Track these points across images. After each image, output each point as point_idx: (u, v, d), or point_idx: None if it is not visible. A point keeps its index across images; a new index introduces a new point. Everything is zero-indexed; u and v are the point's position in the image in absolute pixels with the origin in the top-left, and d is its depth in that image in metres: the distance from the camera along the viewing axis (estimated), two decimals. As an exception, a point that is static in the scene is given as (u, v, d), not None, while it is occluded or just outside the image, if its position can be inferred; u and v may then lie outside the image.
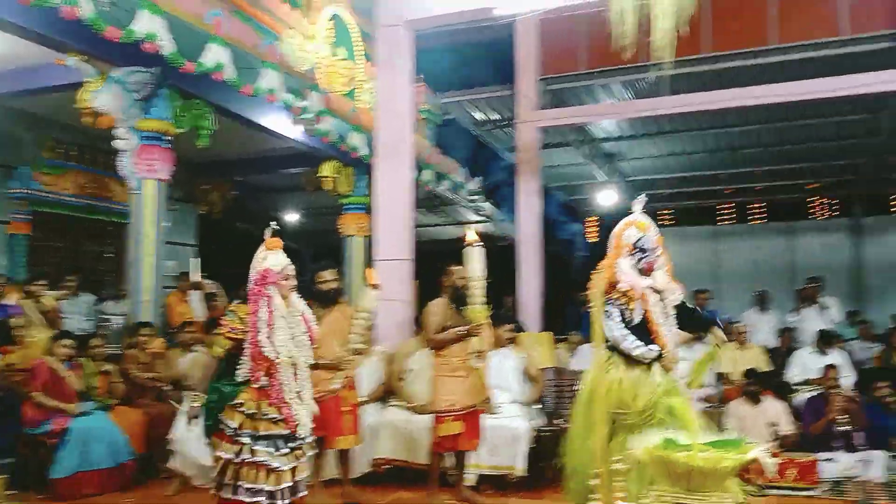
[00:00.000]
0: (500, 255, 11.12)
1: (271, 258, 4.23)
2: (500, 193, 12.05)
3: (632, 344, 4.14)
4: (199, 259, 9.08)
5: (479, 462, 5.84)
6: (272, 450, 3.97)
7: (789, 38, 8.72)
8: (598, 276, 4.24)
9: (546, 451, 6.44)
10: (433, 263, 5.89)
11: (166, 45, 6.54)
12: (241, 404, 4.03)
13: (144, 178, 7.20)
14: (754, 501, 5.85)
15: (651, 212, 14.36)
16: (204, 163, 10.24)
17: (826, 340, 7.94)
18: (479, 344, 5.33)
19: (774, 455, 5.74)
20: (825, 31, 8.63)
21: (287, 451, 4.02)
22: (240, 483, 3.89)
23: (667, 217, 16.19)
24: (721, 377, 8.27)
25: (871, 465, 6.20)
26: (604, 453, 4.20)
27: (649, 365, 4.18)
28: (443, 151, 10.92)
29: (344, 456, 5.57)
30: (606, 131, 11.72)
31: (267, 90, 7.71)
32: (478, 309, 5.25)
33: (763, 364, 8.12)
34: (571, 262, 12.01)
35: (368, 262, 7.67)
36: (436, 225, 14.26)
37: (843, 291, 13.23)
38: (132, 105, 7.04)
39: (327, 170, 9.68)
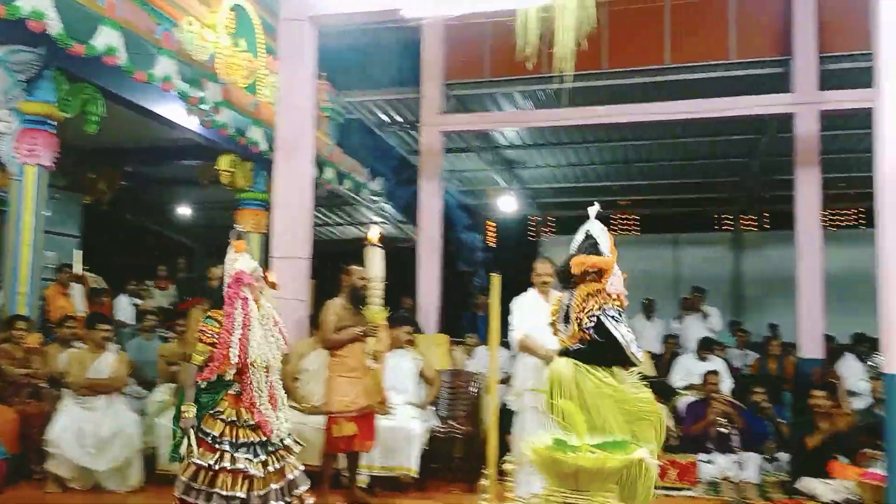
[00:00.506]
0: (400, 256, 11.11)
1: (241, 260, 4.24)
2: (402, 195, 12.06)
3: (635, 348, 4.15)
4: (82, 251, 8.64)
5: (373, 463, 5.82)
6: (251, 457, 4.02)
7: (682, 59, 9.14)
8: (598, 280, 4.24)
9: (439, 452, 6.49)
10: (332, 263, 5.83)
11: (53, 24, 6.20)
12: (221, 412, 4.07)
13: (25, 163, 6.81)
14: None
15: (545, 219, 14.77)
16: (92, 150, 9.76)
17: (707, 347, 8.33)
18: (376, 345, 5.31)
19: (658, 457, 5.97)
20: (716, 55, 9.09)
21: (264, 458, 4.07)
22: (214, 490, 3.91)
23: (560, 225, 16.63)
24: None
25: (746, 466, 6.55)
26: (494, 453, 4.27)
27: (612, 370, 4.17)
28: (345, 150, 10.83)
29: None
30: (508, 139, 11.92)
31: (162, 78, 7.41)
32: (376, 310, 5.23)
33: (648, 369, 8.44)
34: (470, 266, 12.14)
35: (265, 259, 7.50)
36: (336, 224, 14.12)
37: (723, 301, 13.93)
38: (14, 86, 6.64)
39: (224, 163, 9.40)
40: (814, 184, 8.71)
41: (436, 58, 9.68)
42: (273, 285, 5.12)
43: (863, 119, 9.35)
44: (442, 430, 6.61)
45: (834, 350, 9.41)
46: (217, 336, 4.06)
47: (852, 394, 8.08)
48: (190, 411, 4.06)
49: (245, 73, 9.17)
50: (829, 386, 7.40)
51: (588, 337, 4.08)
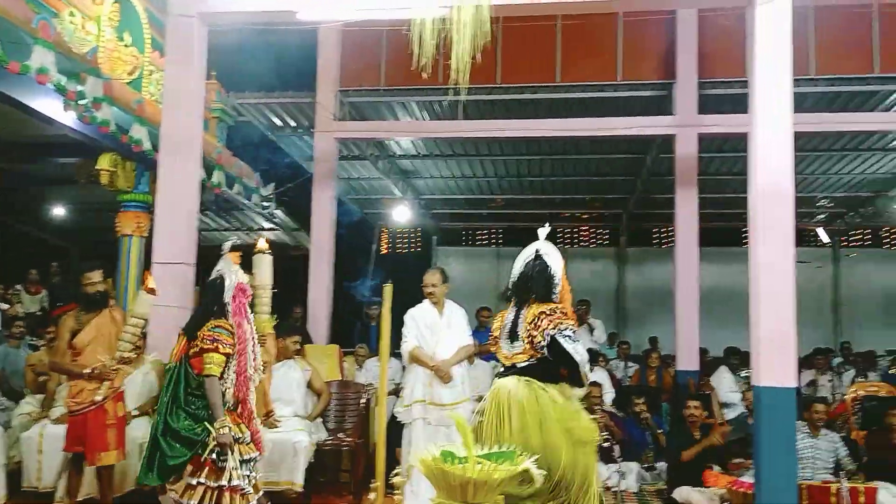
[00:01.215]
0: (291, 264, 10.88)
1: (240, 273, 4.32)
2: (294, 202, 11.82)
3: (587, 370, 4.21)
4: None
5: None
6: (248, 472, 4.08)
7: (573, 77, 9.42)
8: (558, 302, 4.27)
9: (327, 465, 6.36)
10: (218, 269, 5.60)
11: (-86, 5, 5.71)
12: (223, 424, 4.01)
13: None
14: (522, 510, 6.15)
15: (438, 230, 14.83)
16: (-45, 144, 9.06)
17: (590, 359, 8.55)
18: (263, 355, 5.15)
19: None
20: (604, 76, 9.42)
21: (257, 475, 4.17)
22: None
23: (455, 237, 16.78)
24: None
25: (627, 475, 6.76)
26: (382, 466, 4.21)
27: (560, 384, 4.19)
28: (235, 154, 10.50)
29: (106, 473, 5.14)
30: (403, 148, 11.92)
31: (37, 69, 6.95)
32: (263, 318, 5.09)
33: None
34: (363, 276, 12.03)
35: (146, 264, 7.15)
36: (223, 230, 13.67)
37: (607, 314, 14.43)
38: None
39: (105, 162, 8.90)
40: (692, 203, 9.15)
41: (332, 63, 9.57)
42: (152, 291, 4.89)
43: (736, 143, 9.96)
44: (330, 442, 6.50)
45: (708, 362, 9.90)
46: (232, 347, 4.04)
47: (725, 405, 8.50)
48: (224, 426, 3.99)
49: (129, 68, 8.74)
50: (703, 397, 7.76)
51: (539, 355, 4.11)
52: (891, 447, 6.51)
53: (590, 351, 8.65)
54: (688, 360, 9.03)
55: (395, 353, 6.96)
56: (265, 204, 11.21)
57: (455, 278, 16.30)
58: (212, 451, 4.01)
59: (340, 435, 6.68)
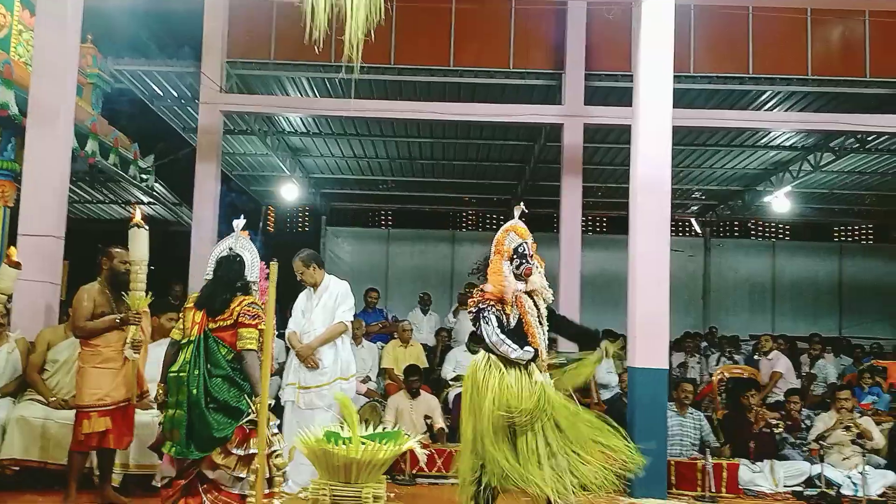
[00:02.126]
0: (171, 239, 10.46)
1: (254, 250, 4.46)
2: (176, 175, 11.33)
3: (508, 348, 4.19)
4: None
5: (128, 461, 5.39)
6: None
7: (465, 62, 9.48)
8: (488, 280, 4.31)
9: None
10: (91, 243, 5.33)
11: None
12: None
13: None
14: (405, 490, 6.21)
15: (327, 210, 14.57)
16: None
17: (475, 340, 8.67)
18: (137, 334, 4.94)
19: (426, 446, 6.13)
20: (495, 62, 9.52)
21: None
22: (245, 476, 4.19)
23: (346, 217, 16.62)
24: (383, 372, 8.65)
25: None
26: (263, 447, 4.13)
27: (526, 366, 4.24)
28: (111, 122, 9.93)
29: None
30: (293, 125, 11.66)
31: None
32: (138, 296, 4.87)
33: (422, 361, 8.66)
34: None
35: (11, 236, 6.69)
36: (97, 202, 12.94)
37: (494, 297, 14.64)
38: None
39: (-36, 126, 8.25)
40: (577, 191, 9.41)
41: (218, 32, 9.21)
42: (17, 265, 4.61)
43: (619, 134, 10.32)
44: (209, 424, 6.31)
45: (588, 345, 10.23)
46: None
47: (602, 385, 8.83)
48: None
49: (-5, 26, 8.12)
50: (582, 377, 8.01)
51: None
52: (745, 426, 6.96)
53: (474, 333, 8.83)
54: (568, 344, 9.30)
55: (281, 333, 6.86)
56: (143, 176, 10.68)
57: (345, 259, 16.29)
58: (251, 423, 4.14)
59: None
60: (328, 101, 9.92)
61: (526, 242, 4.43)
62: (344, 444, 3.75)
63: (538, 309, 4.43)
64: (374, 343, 9.11)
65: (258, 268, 4.53)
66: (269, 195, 15.23)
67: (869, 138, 10.80)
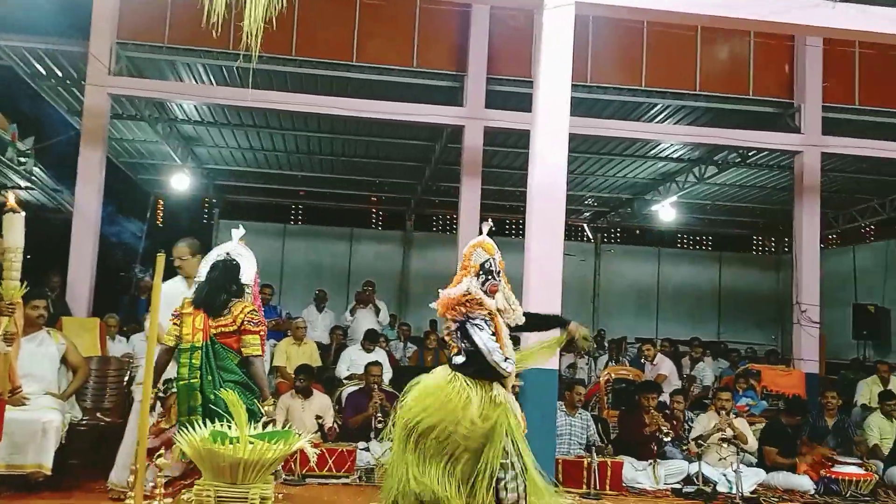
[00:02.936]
0: (49, 226, 9.88)
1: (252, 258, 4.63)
2: (57, 160, 10.71)
3: (500, 357, 4.03)
4: None
5: (-3, 461, 5.05)
6: None
7: (368, 58, 9.41)
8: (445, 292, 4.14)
9: (80, 447, 5.86)
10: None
11: None
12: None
13: None
14: (295, 490, 6.10)
15: (221, 202, 14.10)
16: None
17: (371, 339, 8.65)
18: (9, 325, 4.61)
19: (316, 446, 6.03)
20: (399, 60, 9.50)
21: None
22: None
23: (240, 210, 16.17)
24: (275, 371, 8.48)
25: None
26: (144, 446, 3.95)
27: (490, 383, 4.07)
28: (-12, 101, 9.31)
29: None
30: (186, 112, 11.24)
31: None
32: (11, 285, 4.55)
33: (316, 359, 8.54)
34: (132, 245, 11.21)
35: None
36: (-31, 185, 12.10)
37: (391, 296, 14.67)
38: None
39: None
40: (475, 193, 9.50)
41: (109, 12, 8.76)
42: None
43: (518, 139, 10.51)
44: (85, 422, 5.99)
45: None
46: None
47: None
48: (273, 403, 4.47)
49: None
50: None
51: (458, 348, 4.08)
52: (639, 426, 7.21)
53: (370, 332, 8.79)
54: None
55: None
56: (22, 159, 10.05)
57: (237, 253, 15.76)
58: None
59: (98, 414, 6.19)
60: (225, 90, 9.62)
61: (493, 259, 4.29)
62: (231, 443, 3.63)
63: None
64: (267, 340, 8.90)
65: (254, 275, 4.70)
66: (159, 185, 14.63)
67: (749, 153, 11.44)
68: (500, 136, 10.69)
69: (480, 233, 4.45)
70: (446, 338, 4.22)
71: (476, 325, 4.09)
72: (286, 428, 4.33)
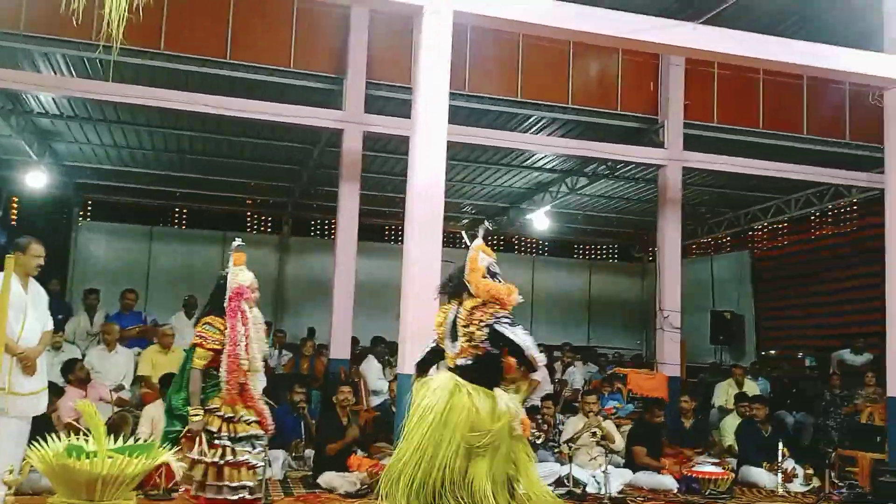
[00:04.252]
0: None
1: (241, 274, 4.71)
2: None
3: (536, 351, 4.05)
4: None
5: None
6: (250, 448, 4.45)
7: (243, 56, 9.14)
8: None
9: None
10: None
11: None
12: (217, 409, 4.49)
13: None
14: (160, 506, 5.79)
15: (81, 202, 13.30)
16: None
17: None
18: None
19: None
20: (276, 60, 9.28)
21: (260, 449, 4.54)
22: (223, 483, 4.31)
23: (102, 211, 15.30)
24: (140, 380, 8.07)
25: (273, 463, 6.70)
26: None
27: (490, 387, 4.04)
28: None
29: None
30: (43, 105, 10.51)
31: None
32: None
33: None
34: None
35: None
36: None
37: (266, 302, 14.27)
38: None
39: None
40: (354, 198, 9.41)
41: (-44, -6, 8.07)
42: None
43: (398, 143, 10.50)
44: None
45: (359, 352, 10.30)
46: (218, 343, 4.55)
47: (373, 392, 8.89)
48: (199, 414, 4.49)
49: None
50: (353, 384, 8.04)
51: (481, 351, 4.03)
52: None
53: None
54: (341, 349, 9.27)
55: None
56: None
57: (99, 257, 15.01)
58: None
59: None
60: (85, 83, 9.06)
61: (493, 262, 4.37)
62: (88, 458, 3.39)
63: None
64: (131, 348, 8.45)
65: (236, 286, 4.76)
66: (12, 181, 13.57)
67: (617, 166, 11.95)
68: (380, 141, 10.67)
69: (485, 236, 4.55)
70: (469, 339, 4.09)
71: (507, 323, 4.12)
72: (150, 440, 4.11)
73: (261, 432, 4.60)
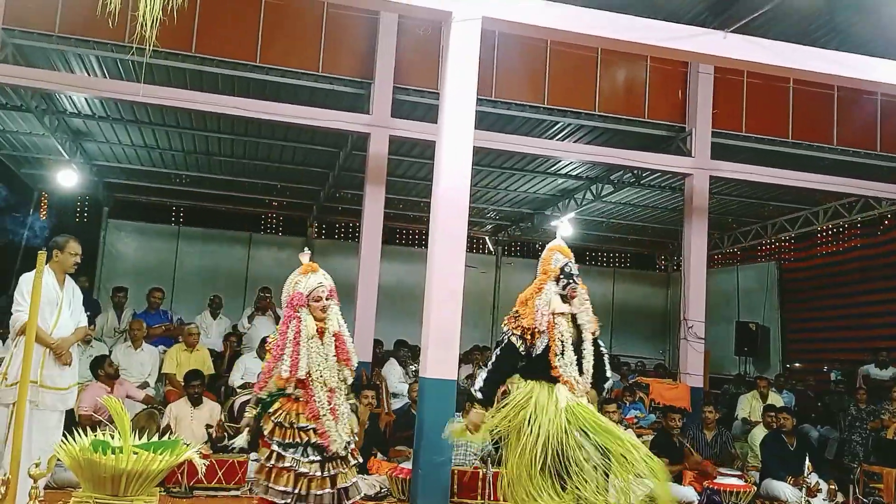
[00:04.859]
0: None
1: (303, 282, 4.52)
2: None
3: (477, 384, 4.25)
4: None
5: None
6: (299, 457, 4.32)
7: (273, 60, 9.20)
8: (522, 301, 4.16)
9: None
10: None
11: None
12: (274, 413, 4.43)
13: None
14: (181, 503, 5.86)
15: (111, 201, 13.47)
16: None
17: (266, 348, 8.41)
18: None
19: (205, 456, 5.82)
20: (305, 64, 9.35)
21: (318, 459, 4.33)
22: (269, 484, 4.32)
23: (131, 210, 15.50)
24: (165, 378, 8.16)
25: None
26: (18, 456, 3.70)
27: (550, 383, 4.09)
28: None
29: None
30: (76, 106, 10.69)
31: None
32: None
33: (208, 367, 8.25)
34: (13, 242, 10.57)
35: None
36: None
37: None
38: None
39: None
40: (379, 201, 9.44)
41: (-5, -5, 8.24)
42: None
43: (423, 149, 10.54)
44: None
45: (382, 355, 10.32)
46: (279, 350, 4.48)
47: (394, 395, 8.91)
48: (250, 413, 4.51)
49: None
50: (375, 387, 8.06)
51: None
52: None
53: (266, 339, 8.53)
54: (363, 352, 9.29)
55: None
56: None
57: (127, 255, 15.22)
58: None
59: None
60: (117, 84, 9.20)
61: (571, 262, 4.30)
62: (113, 453, 3.44)
63: (581, 334, 4.30)
64: (156, 346, 8.56)
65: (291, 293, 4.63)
66: (44, 180, 13.85)
67: (643, 174, 11.89)
68: (406, 145, 10.71)
69: (562, 237, 4.63)
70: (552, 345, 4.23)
71: (499, 340, 4.28)
72: (174, 437, 4.16)
73: (320, 442, 4.37)
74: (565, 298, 4.22)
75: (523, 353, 4.22)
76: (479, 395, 4.23)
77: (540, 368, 4.14)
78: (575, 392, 4.15)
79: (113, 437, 3.58)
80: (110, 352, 8.12)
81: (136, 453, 3.44)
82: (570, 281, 4.25)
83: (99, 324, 9.00)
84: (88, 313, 8.77)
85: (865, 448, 8.78)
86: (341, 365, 4.58)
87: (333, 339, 4.56)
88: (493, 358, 4.28)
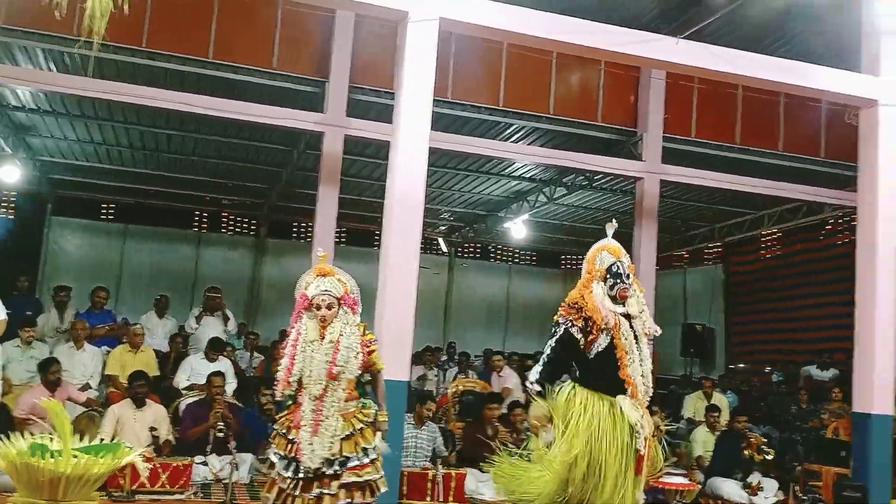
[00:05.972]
0: None
1: (313, 285, 4.39)
2: None
3: (534, 370, 4.09)
4: None
5: None
6: (281, 469, 4.17)
7: (225, 56, 9.05)
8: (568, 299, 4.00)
9: None
10: None
11: None
12: (277, 419, 4.39)
13: None
14: (123, 508, 5.71)
15: (54, 198, 13.14)
16: None
17: (215, 348, 8.29)
18: None
19: (149, 460, 5.68)
20: (258, 61, 9.21)
21: (291, 475, 4.10)
22: (264, 493, 4.33)
23: (76, 207, 15.09)
24: (108, 379, 7.96)
25: (241, 466, 6.63)
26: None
27: (613, 398, 3.95)
28: None
29: None
30: (20, 99, 10.37)
31: None
32: None
33: (153, 368, 8.07)
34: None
35: None
36: None
37: (240, 304, 14.20)
38: None
39: None
40: (333, 201, 9.34)
41: (-68, -18, 7.94)
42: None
43: (377, 149, 10.49)
44: None
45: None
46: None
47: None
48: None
49: None
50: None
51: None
52: (484, 437, 7.33)
53: (214, 340, 8.41)
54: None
55: None
56: None
57: (71, 253, 14.85)
58: None
59: None
60: (63, 77, 8.93)
61: (620, 262, 4.10)
62: (52, 457, 3.34)
63: (637, 338, 4.11)
64: (99, 347, 8.34)
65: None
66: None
67: (595, 177, 12.02)
68: (360, 145, 10.64)
69: (613, 235, 4.47)
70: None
71: (553, 331, 4.16)
72: (116, 440, 4.06)
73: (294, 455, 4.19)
74: (615, 300, 4.06)
75: (582, 348, 4.04)
76: (536, 388, 4.02)
77: (600, 371, 3.97)
78: (637, 397, 4.03)
79: (52, 441, 3.48)
80: (51, 352, 7.88)
81: (75, 457, 3.35)
82: (618, 281, 4.08)
83: (40, 323, 8.73)
84: (29, 313, 8.55)
85: (806, 447, 9.00)
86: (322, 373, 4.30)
87: (332, 346, 4.26)
88: (549, 350, 4.07)
